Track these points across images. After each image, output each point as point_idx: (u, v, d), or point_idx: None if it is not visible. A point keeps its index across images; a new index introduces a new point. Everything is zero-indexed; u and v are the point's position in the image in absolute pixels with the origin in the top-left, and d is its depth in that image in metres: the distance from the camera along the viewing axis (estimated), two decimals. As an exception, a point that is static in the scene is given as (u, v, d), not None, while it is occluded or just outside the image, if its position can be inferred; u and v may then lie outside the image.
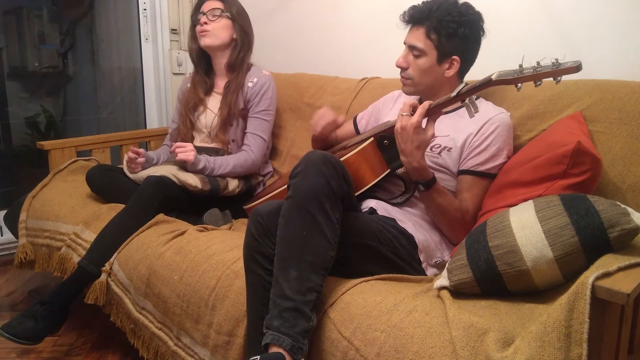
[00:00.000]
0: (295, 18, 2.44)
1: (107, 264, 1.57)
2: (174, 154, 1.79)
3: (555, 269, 0.96)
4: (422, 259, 1.29)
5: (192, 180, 1.76)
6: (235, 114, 1.97)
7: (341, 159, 1.29)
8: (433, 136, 1.27)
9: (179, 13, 2.76)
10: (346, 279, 1.17)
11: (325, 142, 1.74)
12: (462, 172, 1.40)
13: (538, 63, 1.11)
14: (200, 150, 1.93)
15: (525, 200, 1.16)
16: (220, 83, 2.06)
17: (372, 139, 1.40)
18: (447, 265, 1.10)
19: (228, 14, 1.97)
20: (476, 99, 1.48)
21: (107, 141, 2.30)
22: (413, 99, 1.56)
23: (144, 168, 1.89)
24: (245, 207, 1.74)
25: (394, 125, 1.39)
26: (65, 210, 1.81)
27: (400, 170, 1.41)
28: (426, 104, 1.26)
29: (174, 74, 2.80)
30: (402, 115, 1.26)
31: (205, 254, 1.37)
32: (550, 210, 1.00)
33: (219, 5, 1.97)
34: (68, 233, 1.72)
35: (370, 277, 1.18)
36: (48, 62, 3.61)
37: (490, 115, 1.40)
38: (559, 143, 1.19)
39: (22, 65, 3.54)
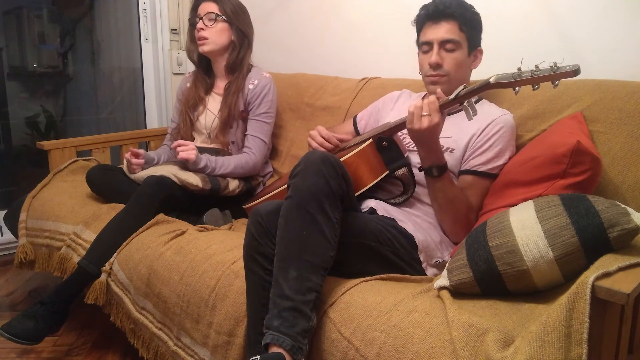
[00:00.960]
0: (295, 18, 2.44)
1: (107, 264, 1.56)
2: (175, 152, 1.79)
3: (555, 269, 0.96)
4: (422, 259, 1.29)
5: (193, 179, 1.76)
6: (235, 116, 1.97)
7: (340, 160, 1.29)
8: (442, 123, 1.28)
9: (179, 13, 2.76)
10: (346, 279, 1.17)
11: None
12: (463, 172, 1.40)
13: (536, 67, 1.11)
14: (201, 150, 1.93)
15: (525, 200, 1.16)
16: (220, 84, 2.06)
17: (370, 140, 1.40)
18: (447, 265, 1.11)
19: (223, 17, 1.95)
20: (479, 101, 1.49)
21: (107, 141, 2.30)
22: (419, 97, 1.55)
23: (144, 168, 1.89)
24: (244, 206, 1.74)
25: (394, 127, 1.40)
26: (65, 210, 1.81)
27: (399, 172, 1.41)
28: (433, 98, 1.26)
29: (174, 74, 2.80)
30: (423, 115, 1.24)
31: (205, 254, 1.37)
32: (550, 210, 1.00)
33: (214, 8, 1.95)
34: (68, 233, 1.72)
35: (370, 277, 1.18)
36: (48, 62, 3.61)
37: (494, 116, 1.40)
38: (559, 143, 1.19)
39: (22, 65, 3.54)
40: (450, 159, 1.39)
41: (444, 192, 1.32)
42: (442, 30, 1.42)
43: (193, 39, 2.02)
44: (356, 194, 1.36)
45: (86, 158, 2.18)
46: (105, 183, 1.85)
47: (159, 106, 2.81)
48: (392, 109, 1.66)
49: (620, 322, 0.85)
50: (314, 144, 1.60)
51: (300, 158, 1.18)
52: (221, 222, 1.76)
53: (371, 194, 1.44)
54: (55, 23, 3.61)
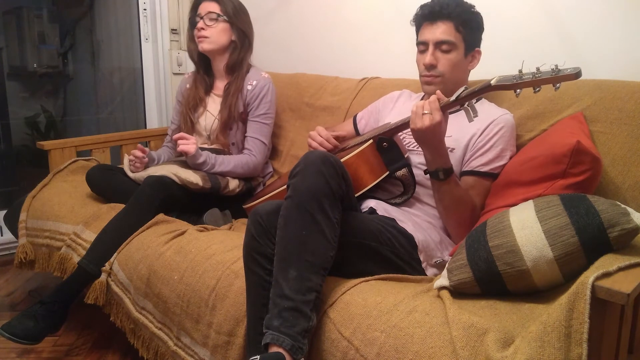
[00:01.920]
0: (295, 18, 2.44)
1: (107, 264, 1.56)
2: (177, 145, 1.79)
3: (555, 269, 0.96)
4: (421, 258, 1.29)
5: (193, 178, 1.76)
6: (235, 117, 1.97)
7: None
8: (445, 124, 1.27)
9: (179, 13, 2.76)
10: (346, 279, 1.17)
11: None
12: (465, 173, 1.40)
13: (538, 69, 1.11)
14: (202, 150, 1.93)
15: (525, 200, 1.16)
16: (220, 85, 2.06)
17: (371, 141, 1.40)
18: (447, 265, 1.10)
19: (225, 17, 1.95)
20: (478, 100, 1.49)
21: (107, 141, 2.30)
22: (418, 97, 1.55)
23: (145, 167, 1.89)
24: (244, 206, 1.74)
25: (394, 128, 1.40)
26: (65, 210, 1.81)
27: (399, 173, 1.41)
28: (433, 97, 1.26)
29: (174, 74, 2.80)
30: (424, 114, 1.25)
31: (205, 254, 1.37)
32: (550, 210, 1.00)
33: (215, 8, 1.95)
34: (68, 233, 1.72)
35: (370, 277, 1.17)
36: (48, 62, 3.61)
37: (494, 116, 1.40)
38: (559, 143, 1.19)
39: (22, 65, 3.54)
40: (450, 159, 1.39)
41: (451, 194, 1.32)
42: (438, 31, 1.42)
43: (193, 38, 2.02)
44: (357, 194, 1.36)
45: (86, 158, 2.18)
46: (105, 183, 1.85)
47: (159, 106, 2.81)
48: (392, 109, 1.66)
49: (620, 322, 0.85)
50: (314, 144, 1.60)
51: (300, 158, 1.18)
52: (221, 222, 1.76)
53: (371, 194, 1.44)
54: (55, 23, 3.61)
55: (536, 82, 1.11)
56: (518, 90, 1.15)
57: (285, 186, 1.19)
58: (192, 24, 2.01)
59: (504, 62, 1.63)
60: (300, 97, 2.18)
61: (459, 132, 1.42)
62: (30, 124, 3.54)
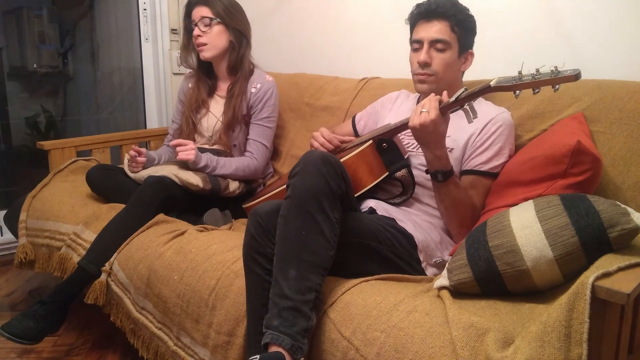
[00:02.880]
0: (295, 18, 2.44)
1: (107, 264, 1.56)
2: (175, 151, 1.78)
3: (555, 269, 0.96)
4: (421, 258, 1.29)
5: (194, 179, 1.76)
6: (238, 119, 1.96)
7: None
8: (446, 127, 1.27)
9: (179, 13, 2.75)
10: (346, 279, 1.17)
11: None
12: (465, 172, 1.40)
13: (537, 70, 1.11)
14: (202, 150, 1.93)
15: (525, 199, 1.16)
16: (223, 86, 2.05)
17: (370, 141, 1.40)
18: (447, 265, 1.11)
19: (218, 19, 1.92)
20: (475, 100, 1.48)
21: (107, 141, 2.30)
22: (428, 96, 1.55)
23: (145, 168, 1.89)
24: (244, 205, 1.74)
25: (394, 129, 1.40)
26: (65, 210, 1.81)
27: (398, 174, 1.41)
28: (432, 96, 1.26)
29: (174, 74, 2.80)
30: (421, 112, 1.25)
31: (205, 254, 1.37)
32: (550, 210, 1.00)
33: (207, 12, 1.92)
34: (68, 233, 1.72)
35: (370, 277, 1.17)
36: (48, 62, 3.62)
37: (492, 114, 1.41)
38: (560, 143, 1.19)
39: (22, 65, 3.54)
40: (450, 159, 1.39)
41: (451, 195, 1.32)
42: (434, 30, 1.42)
43: (187, 44, 2.01)
44: (356, 195, 1.36)
45: (86, 158, 2.18)
46: (105, 183, 1.85)
47: (159, 106, 2.81)
48: (390, 110, 1.66)
49: (620, 322, 0.85)
50: (316, 144, 1.60)
51: (300, 158, 1.18)
52: (221, 222, 1.76)
53: (371, 193, 1.44)
54: (55, 23, 3.62)
55: (535, 83, 1.11)
56: (517, 92, 1.15)
57: (285, 186, 1.19)
58: (188, 31, 1.99)
59: (503, 62, 1.64)
60: (300, 97, 2.18)
61: (458, 132, 1.42)
62: (30, 124, 3.55)
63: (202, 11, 1.93)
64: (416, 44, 1.46)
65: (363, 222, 1.25)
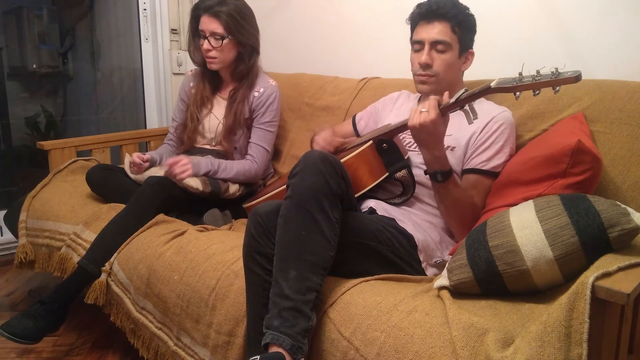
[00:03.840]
0: (295, 18, 2.44)
1: (107, 264, 1.56)
2: (172, 174, 1.71)
3: (555, 269, 0.96)
4: (421, 258, 1.29)
5: (194, 182, 1.76)
6: (240, 123, 1.96)
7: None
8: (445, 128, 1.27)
9: (179, 13, 2.75)
10: (346, 279, 1.17)
11: None
12: (467, 171, 1.40)
13: (538, 72, 1.11)
14: (204, 152, 1.92)
15: (525, 199, 1.16)
16: (226, 88, 2.04)
17: (371, 142, 1.40)
18: (447, 265, 1.11)
19: (230, 36, 1.88)
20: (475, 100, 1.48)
21: (107, 141, 2.30)
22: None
23: (146, 168, 1.89)
24: (244, 205, 1.74)
25: (394, 129, 1.40)
26: (65, 210, 1.81)
27: (399, 174, 1.41)
28: (432, 97, 1.26)
29: (174, 74, 2.80)
30: (421, 111, 1.24)
31: (205, 254, 1.37)
32: (550, 210, 1.00)
33: (218, 27, 1.86)
34: (68, 233, 1.72)
35: (370, 277, 1.17)
36: (48, 62, 3.62)
37: (493, 113, 1.41)
38: (560, 142, 1.19)
39: (22, 65, 3.54)
40: (451, 158, 1.39)
41: (450, 195, 1.32)
42: (435, 31, 1.42)
43: (197, 47, 1.97)
44: (356, 195, 1.36)
45: (86, 158, 2.18)
46: (106, 183, 1.85)
47: (159, 106, 2.81)
48: (391, 110, 1.66)
49: (620, 322, 0.85)
50: (317, 146, 1.61)
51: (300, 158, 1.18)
52: (221, 222, 1.76)
53: (371, 193, 1.44)
54: (55, 23, 3.61)
55: (536, 85, 1.11)
56: (518, 93, 1.15)
57: (285, 186, 1.19)
58: (195, 34, 1.96)
59: (504, 62, 1.63)
60: (300, 97, 2.18)
61: (459, 131, 1.42)
62: (30, 124, 3.55)
63: (212, 25, 1.87)
64: (417, 45, 1.46)
65: (363, 222, 1.25)
